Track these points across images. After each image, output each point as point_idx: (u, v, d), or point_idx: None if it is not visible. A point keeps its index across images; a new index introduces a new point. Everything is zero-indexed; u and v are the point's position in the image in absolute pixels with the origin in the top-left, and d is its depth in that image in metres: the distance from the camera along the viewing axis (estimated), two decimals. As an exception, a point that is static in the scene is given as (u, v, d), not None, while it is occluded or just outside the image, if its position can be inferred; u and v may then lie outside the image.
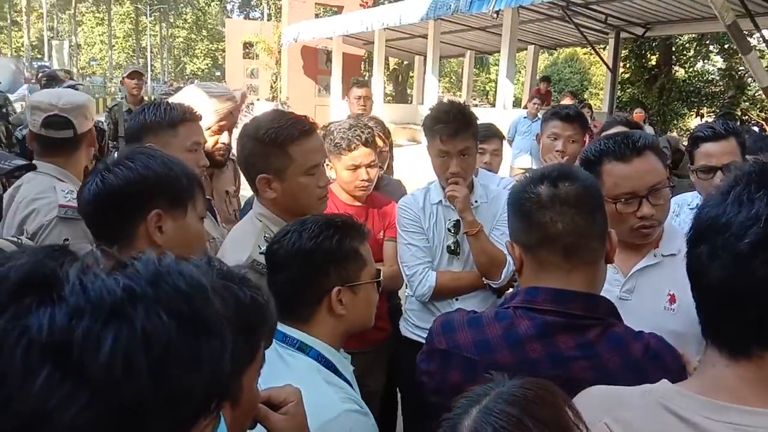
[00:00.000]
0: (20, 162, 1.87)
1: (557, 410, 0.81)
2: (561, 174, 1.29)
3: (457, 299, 2.53)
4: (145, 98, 6.60)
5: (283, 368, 1.39)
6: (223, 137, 2.66)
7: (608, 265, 1.80)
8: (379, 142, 2.94)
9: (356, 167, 2.64)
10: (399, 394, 2.98)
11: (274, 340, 1.41)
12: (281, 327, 1.46)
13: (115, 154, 1.54)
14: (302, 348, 1.45)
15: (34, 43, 44.91)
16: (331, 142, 2.66)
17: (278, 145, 1.89)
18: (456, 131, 2.39)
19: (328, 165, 2.73)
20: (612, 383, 1.11)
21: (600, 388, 1.03)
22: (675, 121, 18.74)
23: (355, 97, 5.06)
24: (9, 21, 50.40)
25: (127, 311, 0.52)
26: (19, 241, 1.89)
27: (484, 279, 2.48)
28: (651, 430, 0.88)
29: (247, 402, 1.02)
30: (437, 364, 1.34)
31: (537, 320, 1.25)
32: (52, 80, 4.74)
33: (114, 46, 54.45)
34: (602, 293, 1.75)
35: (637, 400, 0.93)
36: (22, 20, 44.19)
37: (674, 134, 14.96)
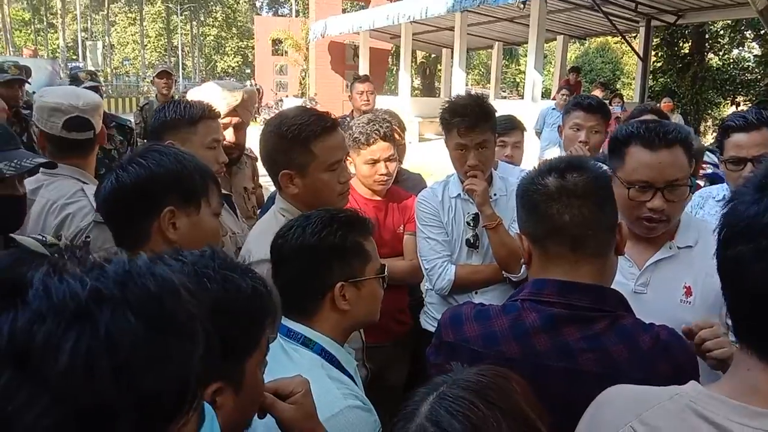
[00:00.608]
0: (41, 159, 1.91)
1: (510, 395, 0.83)
2: (569, 165, 1.28)
3: (476, 292, 2.52)
4: (176, 97, 6.71)
5: (287, 362, 1.40)
6: (228, 135, 2.67)
7: (623, 257, 1.81)
8: (397, 136, 2.95)
9: (375, 161, 2.65)
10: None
11: (279, 334, 1.45)
12: (286, 322, 1.48)
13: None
14: (306, 343, 1.46)
15: (69, 45, 45.90)
16: (350, 137, 2.67)
17: (301, 142, 1.91)
18: (473, 124, 2.38)
19: (347, 160, 2.76)
20: (619, 375, 1.11)
21: (624, 388, 1.00)
22: (709, 111, 18.35)
23: (357, 93, 5.09)
24: (45, 23, 51.62)
25: (91, 314, 0.51)
26: (44, 239, 1.96)
27: (503, 272, 2.47)
28: None
29: (251, 389, 1.04)
30: (445, 356, 1.34)
31: (544, 313, 1.25)
32: (74, 81, 4.85)
33: (146, 45, 55.34)
34: (617, 286, 1.74)
35: (665, 403, 0.90)
36: (57, 22, 45.21)
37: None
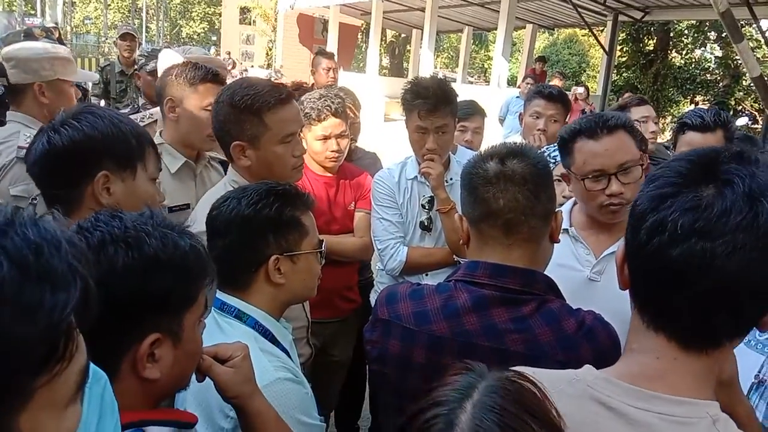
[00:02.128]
0: None
1: (542, 402, 0.80)
2: (511, 152, 1.33)
3: (427, 275, 2.56)
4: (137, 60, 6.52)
5: (219, 335, 1.40)
6: None
7: (582, 246, 1.87)
8: (350, 114, 2.95)
9: (326, 138, 2.65)
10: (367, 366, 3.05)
11: (213, 308, 1.46)
12: (220, 295, 1.49)
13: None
14: (240, 316, 1.46)
15: (27, -2, 44.05)
16: (301, 113, 2.66)
17: (253, 112, 1.89)
18: (434, 107, 2.39)
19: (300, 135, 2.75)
20: (543, 357, 1.16)
21: (527, 370, 1.03)
22: (669, 108, 18.75)
23: (324, 69, 5.04)
24: (2, -26, 49.36)
25: None
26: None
27: (454, 256, 2.52)
28: (579, 420, 0.87)
29: (189, 344, 1.07)
30: (379, 333, 1.38)
31: (474, 293, 1.29)
32: (27, 37, 4.67)
33: (109, 5, 53.46)
34: (572, 272, 1.81)
35: (564, 387, 0.92)
36: (15, -26, 43.31)
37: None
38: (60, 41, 10.33)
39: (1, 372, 0.55)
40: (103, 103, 6.15)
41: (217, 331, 1.44)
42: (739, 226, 0.80)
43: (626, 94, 11.76)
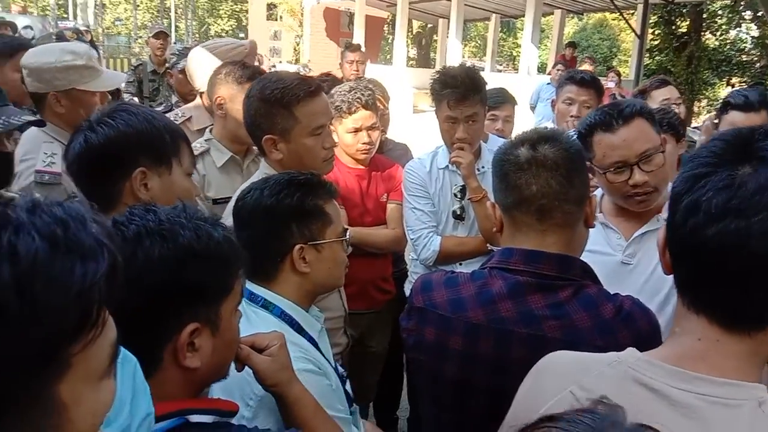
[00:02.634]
0: (30, 117, 1.92)
1: None
2: (542, 138, 1.31)
3: (460, 264, 2.56)
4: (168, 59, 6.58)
5: (246, 325, 1.39)
6: None
7: (612, 230, 1.86)
8: (380, 105, 2.95)
9: (357, 130, 2.66)
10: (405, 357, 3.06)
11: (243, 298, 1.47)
12: (248, 285, 1.49)
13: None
14: (266, 306, 1.48)
15: (59, 2, 44.97)
16: (332, 105, 2.67)
17: (284, 105, 1.91)
18: (464, 96, 2.38)
19: (330, 128, 2.77)
20: (581, 343, 1.14)
21: (568, 354, 1.02)
22: (704, 91, 18.32)
23: (348, 61, 5.09)
24: (35, -21, 50.49)
25: None
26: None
27: (488, 245, 2.51)
28: (619, 402, 0.82)
29: (227, 333, 1.09)
30: (415, 321, 1.39)
31: (510, 280, 1.28)
32: (59, 40, 4.74)
33: (139, 6, 54.25)
34: (604, 257, 1.80)
35: (605, 369, 0.91)
36: (48, -21, 44.23)
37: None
38: (92, 44, 10.51)
39: (39, 340, 0.58)
40: (136, 101, 6.25)
41: (244, 320, 1.42)
42: None
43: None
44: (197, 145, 2.42)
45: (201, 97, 2.89)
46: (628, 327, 1.21)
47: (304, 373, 1.36)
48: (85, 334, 0.62)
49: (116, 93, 4.45)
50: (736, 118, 2.70)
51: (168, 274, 0.99)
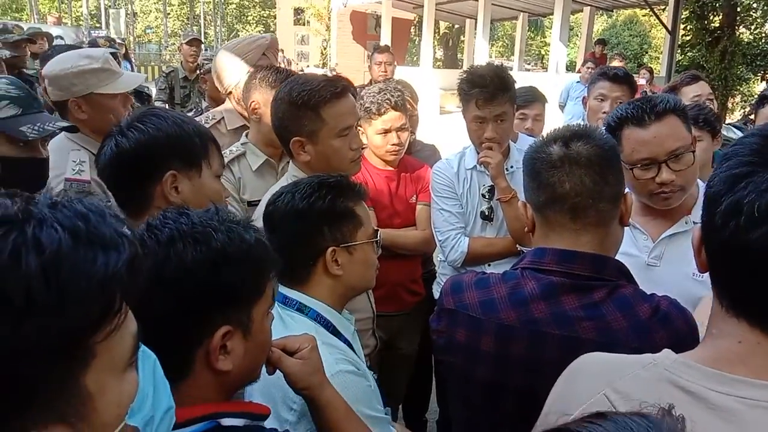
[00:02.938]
0: (63, 123, 1.95)
1: None
2: (575, 134, 1.28)
3: (489, 265, 2.53)
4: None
5: (282, 329, 1.41)
6: None
7: (638, 230, 1.81)
8: (409, 107, 2.95)
9: (387, 131, 2.65)
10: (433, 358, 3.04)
11: (276, 303, 1.47)
12: (282, 289, 1.49)
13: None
14: (301, 309, 1.48)
15: (92, 13, 45.93)
16: (361, 107, 2.67)
17: (311, 107, 1.92)
18: (492, 96, 2.35)
19: (359, 130, 2.77)
20: (616, 344, 1.12)
21: (601, 355, 1.00)
22: (738, 87, 17.87)
23: (376, 63, 5.13)
24: (69, -10, 51.66)
25: (19, 223, 0.60)
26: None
27: (517, 246, 2.48)
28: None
29: (259, 336, 1.09)
30: (446, 323, 1.37)
31: (543, 281, 1.26)
32: (91, 47, 4.89)
33: (169, 13, 55.18)
34: (630, 258, 1.75)
35: (640, 372, 0.88)
36: (81, -11, 45.22)
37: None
38: (126, 55, 10.68)
39: (66, 327, 0.60)
40: (166, 107, 6.34)
41: (280, 324, 1.45)
42: None
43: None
44: (233, 149, 2.46)
45: (229, 97, 2.91)
46: (665, 328, 1.18)
47: (345, 374, 1.37)
48: (109, 322, 0.64)
49: (147, 99, 4.52)
50: None
51: (201, 277, 1.00)
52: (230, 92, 2.85)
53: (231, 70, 2.80)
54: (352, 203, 1.55)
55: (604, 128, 1.83)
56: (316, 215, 1.49)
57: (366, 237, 1.56)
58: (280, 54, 21.20)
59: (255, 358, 1.11)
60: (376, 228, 1.64)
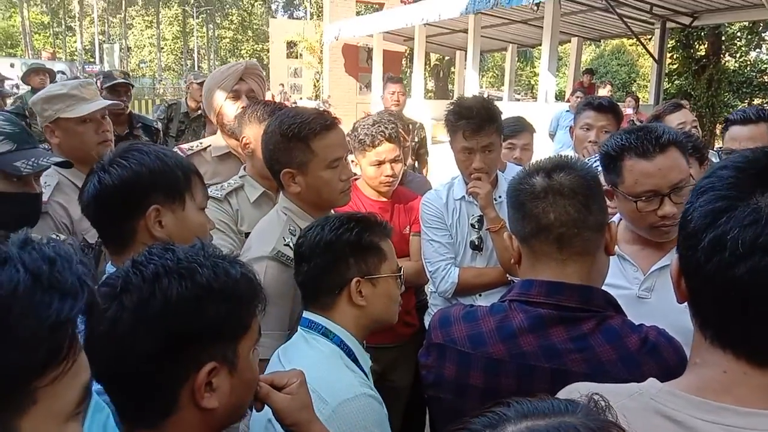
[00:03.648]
0: (57, 159, 1.96)
1: None
2: (557, 165, 1.30)
3: (480, 295, 2.53)
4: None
5: (307, 350, 1.49)
6: (243, 101, 2.73)
7: (628, 262, 1.81)
8: (402, 138, 2.97)
9: (380, 163, 2.67)
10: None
11: (300, 327, 1.56)
12: (307, 314, 1.58)
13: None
14: (326, 334, 1.53)
15: (87, 47, 46.44)
16: (355, 139, 2.69)
17: (301, 139, 1.94)
18: (479, 127, 2.38)
19: (353, 161, 2.78)
20: (605, 376, 1.11)
21: (588, 385, 0.98)
22: (725, 113, 18.08)
23: (389, 93, 5.24)
24: (64, 26, 52.23)
25: None
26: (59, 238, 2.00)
27: (507, 275, 2.47)
28: None
29: (245, 372, 1.07)
30: (434, 357, 1.36)
31: (531, 313, 1.26)
32: (107, 78, 4.92)
33: (163, 48, 55.78)
34: (621, 291, 1.75)
35: (626, 401, 0.88)
36: (75, 25, 45.76)
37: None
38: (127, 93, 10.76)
39: (7, 368, 0.60)
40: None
41: (305, 345, 1.52)
42: None
43: (682, 102, 11.45)
44: (231, 182, 2.48)
45: (208, 121, 2.95)
46: (654, 359, 1.18)
47: (370, 398, 1.40)
48: (54, 368, 0.64)
49: (156, 134, 4.52)
50: (735, 133, 2.75)
51: (186, 313, 0.99)
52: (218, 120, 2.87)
53: (210, 99, 2.83)
54: (377, 238, 1.62)
55: (599, 156, 1.83)
56: (343, 246, 1.57)
57: (390, 271, 1.63)
58: (279, 87, 21.22)
59: (241, 395, 1.09)
60: (401, 266, 1.70)
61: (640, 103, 11.82)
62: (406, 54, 23.51)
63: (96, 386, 1.05)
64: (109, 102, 2.61)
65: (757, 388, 0.82)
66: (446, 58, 26.23)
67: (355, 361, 1.54)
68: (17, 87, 13.40)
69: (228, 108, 2.75)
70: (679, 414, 0.84)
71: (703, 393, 0.84)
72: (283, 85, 22.28)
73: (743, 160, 0.86)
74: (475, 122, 2.37)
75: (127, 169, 1.49)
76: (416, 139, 5.20)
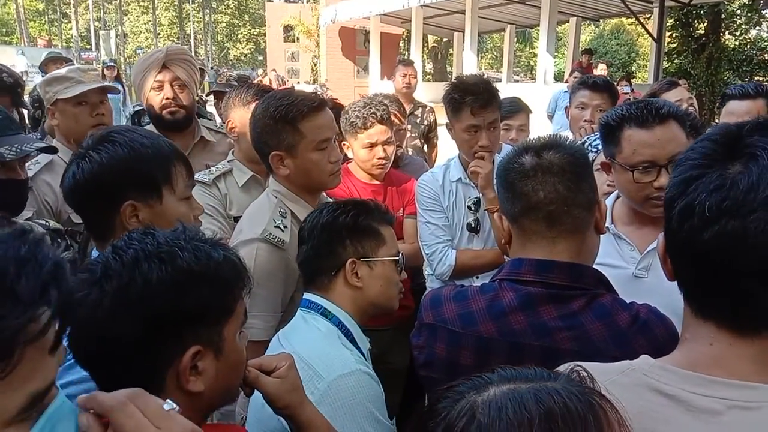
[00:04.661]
0: (41, 144, 1.95)
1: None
2: (546, 144, 1.29)
3: (477, 277, 2.52)
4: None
5: (305, 328, 1.51)
6: (168, 92, 2.69)
7: (625, 242, 1.80)
8: (396, 120, 2.95)
9: (372, 145, 2.66)
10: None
11: (300, 308, 1.58)
12: (308, 295, 1.61)
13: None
14: (325, 314, 1.55)
15: (82, 34, 46.18)
16: (347, 121, 2.68)
17: (289, 121, 1.93)
18: (487, 102, 2.37)
19: (345, 145, 2.76)
20: (596, 353, 1.11)
21: (579, 364, 1.00)
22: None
23: (401, 75, 5.24)
24: (59, 13, 51.88)
25: None
26: (47, 224, 1.99)
27: (505, 256, 2.46)
28: (635, 410, 0.81)
29: (231, 354, 1.06)
30: (425, 338, 1.36)
31: (520, 291, 1.25)
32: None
33: (159, 34, 55.43)
34: (617, 270, 1.74)
35: (618, 378, 0.89)
36: (71, 12, 45.46)
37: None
38: (117, 77, 10.77)
39: None
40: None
41: (303, 324, 1.55)
42: None
43: (680, 81, 11.39)
44: (220, 166, 2.48)
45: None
46: (645, 336, 1.17)
47: (363, 373, 1.42)
48: None
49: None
50: (733, 107, 2.74)
51: (167, 297, 0.97)
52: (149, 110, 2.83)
53: (140, 90, 2.82)
54: (375, 222, 1.65)
55: (599, 128, 1.81)
56: (340, 228, 1.61)
57: (387, 255, 1.65)
58: (272, 73, 21.01)
59: (228, 378, 1.08)
60: (400, 251, 1.73)
61: (639, 82, 11.75)
62: (404, 36, 23.35)
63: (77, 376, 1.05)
64: (102, 83, 2.64)
65: (744, 358, 0.83)
66: (444, 39, 26.09)
67: (353, 342, 1.55)
68: (26, 74, 13.46)
69: (153, 99, 2.71)
70: (671, 388, 0.84)
71: (694, 367, 0.85)
72: (275, 70, 22.05)
73: (719, 131, 0.87)
74: (484, 97, 2.36)
75: (97, 164, 1.43)
76: (426, 123, 5.15)
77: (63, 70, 2.53)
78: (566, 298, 1.23)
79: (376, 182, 2.75)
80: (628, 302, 1.25)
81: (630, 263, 1.77)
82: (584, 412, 0.64)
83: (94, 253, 1.49)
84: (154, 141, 1.53)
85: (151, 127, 2.66)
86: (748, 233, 0.78)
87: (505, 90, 2.59)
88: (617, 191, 1.89)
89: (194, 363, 1.00)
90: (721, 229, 0.79)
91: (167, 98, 2.67)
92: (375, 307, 1.65)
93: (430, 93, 16.16)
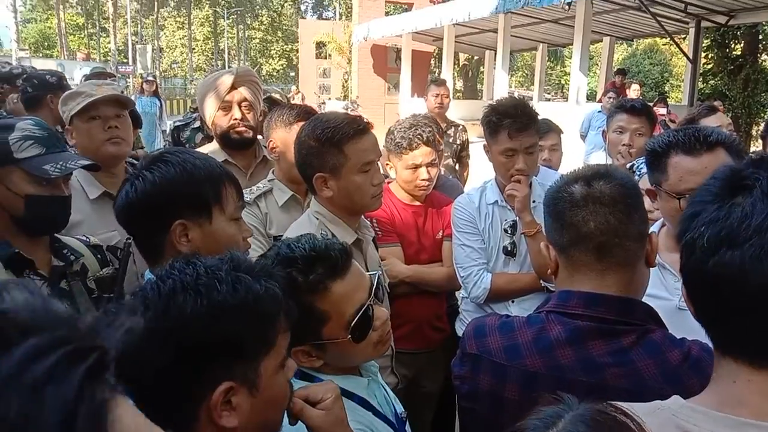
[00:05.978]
0: (85, 161, 1.98)
1: None
2: (596, 174, 1.27)
3: (513, 301, 2.50)
4: None
5: None
6: (236, 112, 2.70)
7: (669, 272, 1.76)
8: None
9: (417, 166, 2.66)
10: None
11: None
12: None
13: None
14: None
15: (120, 48, 47.24)
16: (392, 142, 2.68)
17: (334, 144, 1.95)
18: (525, 126, 2.35)
19: (387, 164, 2.77)
20: (647, 391, 1.08)
21: (612, 404, 0.99)
22: (762, 114, 17.69)
23: (433, 95, 5.22)
24: (98, 28, 53.24)
25: None
26: (88, 240, 2.02)
27: (541, 281, 2.44)
28: None
29: (269, 390, 1.02)
30: (469, 368, 1.34)
31: (568, 325, 1.23)
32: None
33: (194, 48, 56.52)
34: (661, 302, 1.70)
35: (648, 418, 0.85)
36: (109, 26, 46.59)
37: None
38: (155, 92, 10.84)
39: None
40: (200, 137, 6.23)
41: None
42: (761, 227, 0.79)
43: (715, 102, 11.22)
44: (260, 185, 2.49)
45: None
46: (697, 374, 1.14)
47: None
48: None
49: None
50: None
51: (200, 330, 0.95)
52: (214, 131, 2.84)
53: (203, 108, 2.83)
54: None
55: (645, 154, 1.79)
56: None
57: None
58: (293, 89, 21.09)
59: (265, 414, 1.05)
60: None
61: (674, 103, 11.60)
62: (435, 54, 23.43)
63: None
64: (112, 93, 2.44)
65: (763, 395, 0.83)
66: (475, 57, 26.10)
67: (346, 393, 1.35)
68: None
69: (220, 120, 2.73)
70: (699, 430, 0.84)
71: (722, 407, 0.85)
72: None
73: (729, 170, 0.90)
74: (522, 121, 2.34)
75: (150, 184, 1.46)
76: (458, 142, 5.14)
77: (78, 87, 2.48)
78: (616, 334, 1.20)
79: (417, 203, 2.75)
80: (678, 338, 1.22)
81: (674, 295, 1.73)
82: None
83: (147, 275, 1.51)
84: (205, 162, 1.55)
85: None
86: (746, 260, 0.80)
87: (537, 109, 2.57)
88: (662, 219, 1.86)
89: (227, 398, 0.97)
90: (720, 258, 0.82)
91: (235, 119, 2.69)
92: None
93: (460, 111, 16.16)
